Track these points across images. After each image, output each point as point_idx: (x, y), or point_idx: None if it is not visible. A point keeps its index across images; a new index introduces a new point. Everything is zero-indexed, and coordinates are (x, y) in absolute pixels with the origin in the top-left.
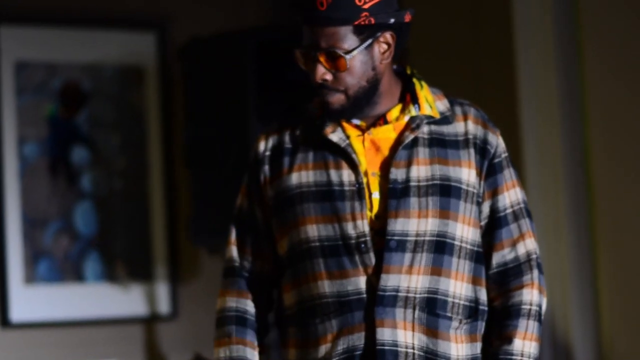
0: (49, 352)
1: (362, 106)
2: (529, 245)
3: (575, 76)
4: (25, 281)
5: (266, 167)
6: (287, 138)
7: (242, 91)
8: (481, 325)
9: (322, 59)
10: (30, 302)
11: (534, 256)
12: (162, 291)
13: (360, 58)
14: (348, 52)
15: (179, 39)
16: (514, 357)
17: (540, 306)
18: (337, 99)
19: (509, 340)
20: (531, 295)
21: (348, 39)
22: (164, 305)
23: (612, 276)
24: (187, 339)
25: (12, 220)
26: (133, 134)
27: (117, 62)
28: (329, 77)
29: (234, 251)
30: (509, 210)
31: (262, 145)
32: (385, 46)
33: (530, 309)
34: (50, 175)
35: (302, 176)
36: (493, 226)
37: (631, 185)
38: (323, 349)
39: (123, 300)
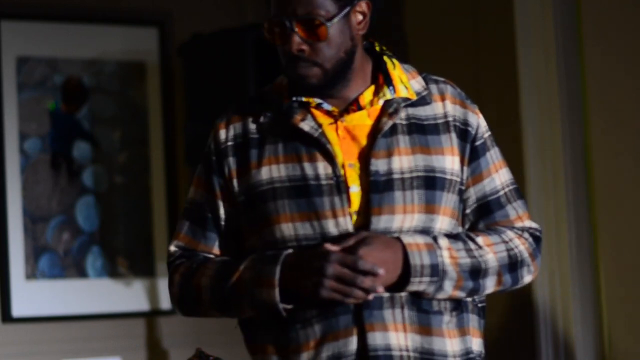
0: (50, 347)
1: (337, 82)
2: (530, 224)
3: (576, 73)
4: (27, 276)
5: (230, 160)
6: (251, 126)
7: (242, 87)
8: (468, 318)
9: (298, 28)
10: (32, 297)
11: (536, 232)
12: (164, 286)
13: (339, 27)
14: (329, 19)
15: (179, 36)
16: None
17: (520, 258)
18: (313, 72)
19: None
20: (517, 243)
21: (326, 5)
22: (165, 301)
23: (613, 274)
24: (189, 334)
25: (13, 215)
26: (134, 130)
27: (118, 57)
28: (305, 47)
29: (180, 245)
30: (500, 193)
31: (222, 134)
32: (360, 16)
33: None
34: (51, 171)
35: (272, 170)
36: (484, 212)
37: (632, 183)
38: (305, 356)
39: (124, 296)
